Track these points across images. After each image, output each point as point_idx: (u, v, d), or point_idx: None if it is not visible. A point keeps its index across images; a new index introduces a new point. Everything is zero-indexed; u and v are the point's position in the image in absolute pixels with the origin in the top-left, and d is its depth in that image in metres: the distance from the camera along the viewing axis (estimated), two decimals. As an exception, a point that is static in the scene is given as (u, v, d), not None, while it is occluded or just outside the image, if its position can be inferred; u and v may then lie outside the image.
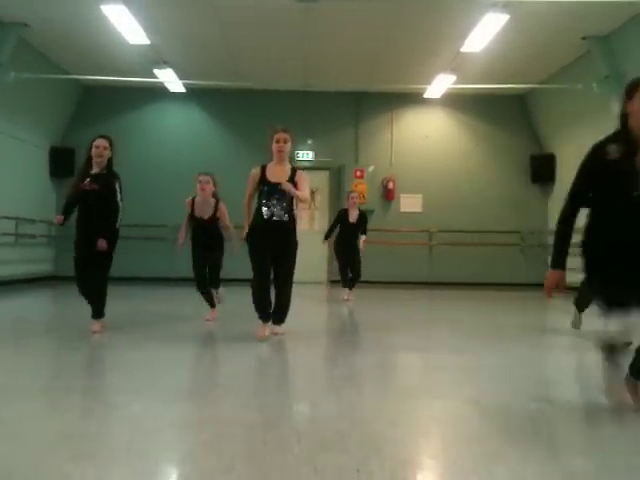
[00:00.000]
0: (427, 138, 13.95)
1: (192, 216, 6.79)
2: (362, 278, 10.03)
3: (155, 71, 11.82)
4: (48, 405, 3.44)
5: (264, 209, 5.55)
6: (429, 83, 12.37)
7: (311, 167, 13.59)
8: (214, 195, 6.79)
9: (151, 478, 2.42)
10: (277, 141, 5.61)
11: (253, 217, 5.68)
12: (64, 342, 5.54)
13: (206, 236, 6.73)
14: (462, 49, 10.28)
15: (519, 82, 12.44)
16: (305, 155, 13.80)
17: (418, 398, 3.73)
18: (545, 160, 13.57)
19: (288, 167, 5.69)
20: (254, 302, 5.62)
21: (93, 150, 5.71)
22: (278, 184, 5.47)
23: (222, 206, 6.80)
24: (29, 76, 10.67)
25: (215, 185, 6.80)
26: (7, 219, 10.94)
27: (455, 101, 13.70)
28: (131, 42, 10.09)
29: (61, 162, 12.93)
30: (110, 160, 5.83)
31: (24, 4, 9.17)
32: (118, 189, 5.74)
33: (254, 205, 5.72)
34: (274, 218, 5.54)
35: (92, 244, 5.63)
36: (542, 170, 13.63)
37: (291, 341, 5.69)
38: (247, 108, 13.48)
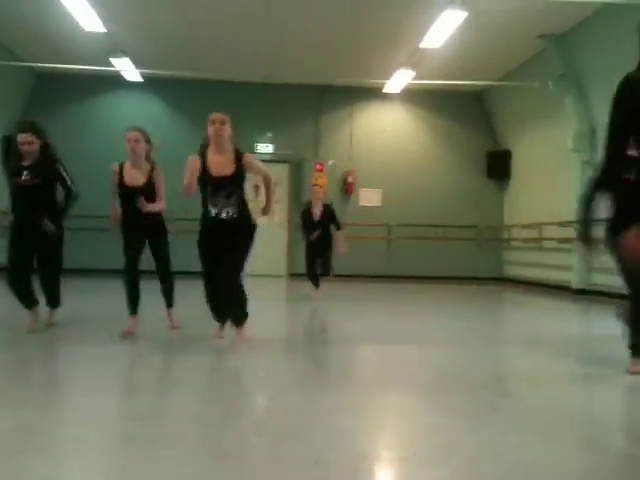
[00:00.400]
0: (385, 132, 14.03)
1: (121, 185, 5.33)
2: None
3: (112, 59, 11.60)
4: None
5: (210, 207, 4.77)
6: (388, 78, 12.43)
7: (271, 160, 13.53)
8: (148, 158, 5.41)
9: (106, 470, 2.38)
10: (212, 123, 4.67)
11: (201, 216, 4.89)
12: (10, 335, 5.41)
13: (140, 213, 5.21)
14: (421, 45, 10.35)
15: (477, 79, 12.60)
16: (265, 148, 13.73)
17: (376, 391, 3.75)
18: (501, 156, 13.80)
19: (230, 154, 4.76)
20: (207, 303, 5.08)
21: (19, 148, 5.31)
22: (222, 178, 4.71)
23: (158, 172, 5.38)
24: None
25: (151, 145, 5.45)
26: None
27: (414, 97, 13.81)
28: (87, 29, 9.87)
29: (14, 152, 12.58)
30: (44, 147, 5.37)
31: None
32: (64, 172, 5.39)
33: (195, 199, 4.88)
34: (222, 216, 4.75)
35: (38, 240, 5.36)
36: (498, 166, 13.86)
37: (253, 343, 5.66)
38: (206, 99, 13.31)
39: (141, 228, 5.33)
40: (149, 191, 5.29)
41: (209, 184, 4.72)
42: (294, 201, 13.68)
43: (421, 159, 14.11)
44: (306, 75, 12.87)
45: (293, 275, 13.38)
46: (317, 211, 8.77)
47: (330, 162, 13.69)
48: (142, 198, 5.19)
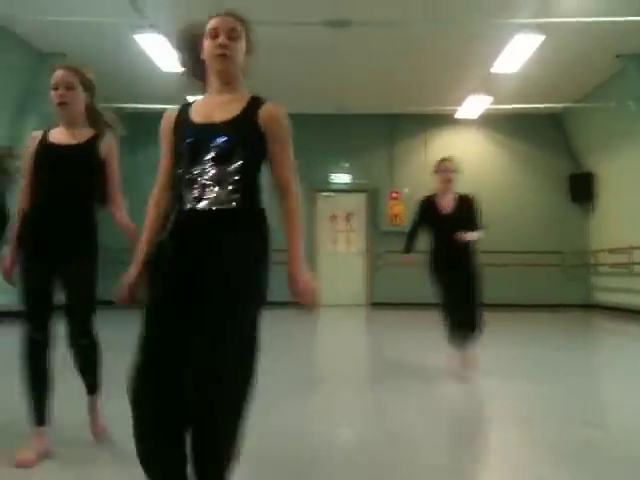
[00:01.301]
0: (407, 191, 13.85)
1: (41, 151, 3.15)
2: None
3: (189, 98, 12.00)
4: None
5: (184, 192, 2.24)
6: (461, 104, 12.34)
7: (348, 190, 13.65)
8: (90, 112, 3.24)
9: None
10: (213, 36, 2.28)
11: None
12: None
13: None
14: (492, 70, 10.26)
15: (554, 101, 12.31)
16: (341, 178, 13.85)
17: (470, 423, 3.65)
18: (584, 178, 13.35)
19: (240, 94, 2.33)
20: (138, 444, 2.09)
21: None
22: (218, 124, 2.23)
23: (109, 144, 3.19)
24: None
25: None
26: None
27: (489, 121, 13.61)
28: (164, 69, 10.27)
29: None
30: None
31: (63, 35, 9.45)
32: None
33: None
34: (202, 206, 2.18)
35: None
36: (581, 189, 13.40)
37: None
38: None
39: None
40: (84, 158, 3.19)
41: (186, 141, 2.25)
42: (371, 230, 13.67)
43: (499, 184, 13.83)
44: (377, 105, 12.93)
45: (375, 304, 13.28)
46: (449, 199, 5.68)
47: (405, 190, 13.63)
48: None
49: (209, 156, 2.16)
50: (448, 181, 5.69)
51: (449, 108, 12.68)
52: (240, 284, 2.10)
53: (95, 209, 3.12)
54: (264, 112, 2.22)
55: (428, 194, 5.81)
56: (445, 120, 13.57)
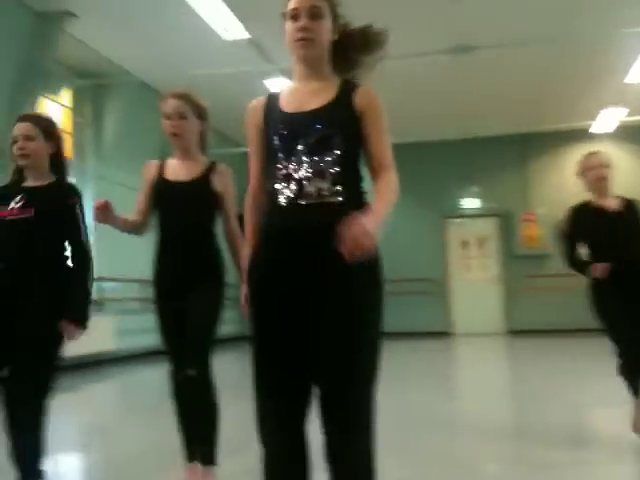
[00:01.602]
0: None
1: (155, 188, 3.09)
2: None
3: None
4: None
5: (277, 184, 1.97)
6: (594, 118, 11.81)
7: (478, 215, 13.36)
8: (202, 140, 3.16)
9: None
10: (293, 18, 2.00)
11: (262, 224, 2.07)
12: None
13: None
14: (626, 81, 9.80)
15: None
16: (471, 203, 13.60)
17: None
18: None
19: (330, 79, 2.07)
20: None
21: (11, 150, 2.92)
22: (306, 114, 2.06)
23: (224, 174, 3.14)
24: (216, 151, 11.54)
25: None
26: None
27: (627, 134, 12.86)
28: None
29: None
30: (57, 158, 2.99)
31: (195, 88, 10.06)
32: (80, 217, 2.90)
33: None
34: (304, 201, 1.92)
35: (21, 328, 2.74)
36: None
37: None
38: (404, 162, 13.60)
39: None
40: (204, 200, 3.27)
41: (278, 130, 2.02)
42: (505, 256, 13.26)
43: (644, 199, 12.98)
44: (505, 126, 12.62)
45: (513, 332, 12.78)
46: (609, 203, 4.26)
47: (541, 211, 13.11)
48: None
49: (305, 147, 1.94)
50: (602, 179, 4.15)
51: (583, 123, 12.15)
52: (364, 302, 1.88)
53: (216, 239, 3.09)
54: (359, 95, 2.00)
55: (576, 204, 4.33)
56: (580, 135, 12.98)
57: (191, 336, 2.88)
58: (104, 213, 2.76)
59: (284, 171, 1.95)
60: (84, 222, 2.93)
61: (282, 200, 1.93)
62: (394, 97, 10.65)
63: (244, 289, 2.07)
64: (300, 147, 1.94)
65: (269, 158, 2.03)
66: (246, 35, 8.00)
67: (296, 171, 1.93)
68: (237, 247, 3.01)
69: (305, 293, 1.88)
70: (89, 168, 9.24)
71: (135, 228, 3.08)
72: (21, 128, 2.88)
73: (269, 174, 2.02)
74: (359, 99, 1.99)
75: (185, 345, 2.87)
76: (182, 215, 2.99)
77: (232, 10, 7.34)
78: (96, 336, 8.22)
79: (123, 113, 9.31)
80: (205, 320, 2.92)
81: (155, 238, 3.06)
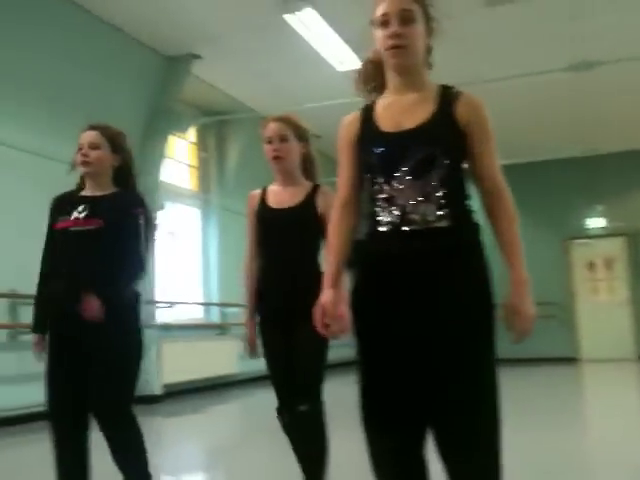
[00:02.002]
0: None
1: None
2: None
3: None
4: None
5: (379, 210, 1.89)
6: None
7: (604, 235, 12.77)
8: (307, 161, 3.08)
9: None
10: (383, 24, 1.88)
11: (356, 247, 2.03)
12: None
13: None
14: None
15: None
16: (596, 222, 13.03)
17: None
18: None
19: (427, 88, 1.92)
20: None
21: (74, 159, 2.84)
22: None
23: (326, 196, 2.94)
24: (324, 180, 11.83)
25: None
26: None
27: None
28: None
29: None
30: (123, 172, 2.88)
31: (318, 118, 10.35)
32: (142, 229, 2.75)
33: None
34: (407, 227, 1.81)
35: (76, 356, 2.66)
36: None
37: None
38: (525, 182, 13.24)
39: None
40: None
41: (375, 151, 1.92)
42: (635, 277, 12.55)
43: None
44: (631, 141, 12.03)
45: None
46: None
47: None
48: None
49: (406, 168, 1.80)
50: None
51: None
52: (477, 332, 1.75)
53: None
54: (463, 105, 1.83)
55: None
56: None
57: (301, 369, 2.76)
58: (253, 350, 2.93)
59: (384, 195, 1.83)
60: (147, 236, 2.75)
61: (383, 227, 1.82)
62: (515, 116, 10.49)
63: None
64: (401, 169, 1.80)
65: (366, 179, 1.91)
66: (360, 65, 8.19)
67: (398, 195, 1.80)
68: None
69: (413, 325, 1.76)
70: (213, 200, 9.70)
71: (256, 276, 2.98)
72: (87, 136, 2.79)
73: (367, 196, 1.90)
74: (462, 110, 1.82)
75: (295, 379, 2.77)
76: (286, 243, 2.87)
77: (346, 42, 7.57)
78: (221, 359, 8.61)
79: (244, 147, 9.75)
80: (315, 352, 2.78)
81: (259, 267, 2.95)
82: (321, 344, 2.73)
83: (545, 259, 12.84)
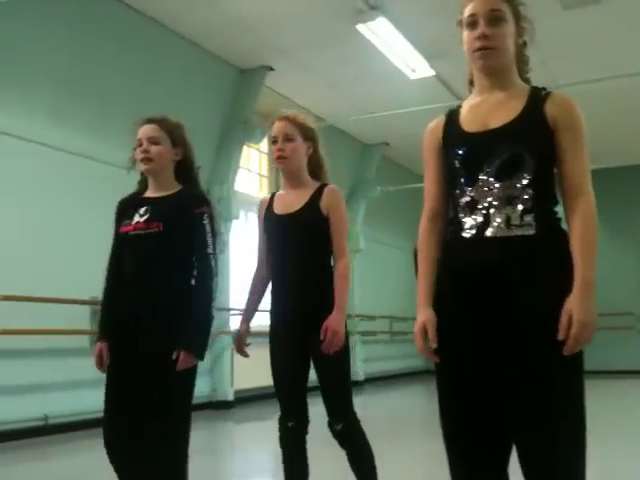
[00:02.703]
0: None
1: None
2: None
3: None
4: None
5: (462, 215, 1.86)
6: None
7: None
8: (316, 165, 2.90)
9: None
10: (471, 25, 1.80)
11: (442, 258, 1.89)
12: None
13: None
14: None
15: None
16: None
17: None
18: None
19: (517, 88, 1.84)
20: None
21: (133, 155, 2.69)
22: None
23: (330, 196, 2.76)
24: (392, 188, 11.81)
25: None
26: (383, 318, 11.97)
27: None
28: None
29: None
30: (185, 166, 2.72)
31: (384, 127, 10.37)
32: (208, 228, 2.56)
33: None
34: (490, 234, 1.75)
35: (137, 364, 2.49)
36: None
37: None
38: (603, 188, 12.77)
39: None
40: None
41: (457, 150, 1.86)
42: None
43: None
44: None
45: None
46: None
47: None
48: None
49: (490, 169, 1.72)
50: None
51: None
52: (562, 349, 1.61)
53: (333, 271, 2.74)
54: (552, 103, 1.74)
55: None
56: None
57: (329, 390, 2.66)
58: (239, 348, 2.84)
59: (467, 199, 1.75)
60: (214, 235, 2.57)
61: (466, 232, 1.74)
62: (592, 121, 10.17)
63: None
64: (485, 170, 1.73)
65: (449, 184, 1.83)
66: (432, 72, 8.14)
67: (481, 199, 1.73)
68: (338, 286, 2.66)
69: (498, 340, 1.67)
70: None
71: (267, 284, 2.84)
72: (146, 130, 2.60)
73: (451, 201, 1.83)
74: (552, 108, 1.73)
75: (323, 397, 2.67)
76: (291, 250, 2.68)
77: (419, 50, 7.54)
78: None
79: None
80: (339, 369, 2.65)
81: (270, 277, 2.80)
82: (343, 359, 2.65)
83: (624, 268, 12.37)
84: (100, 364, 2.55)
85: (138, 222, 2.55)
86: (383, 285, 12.28)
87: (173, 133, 2.63)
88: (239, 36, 7.38)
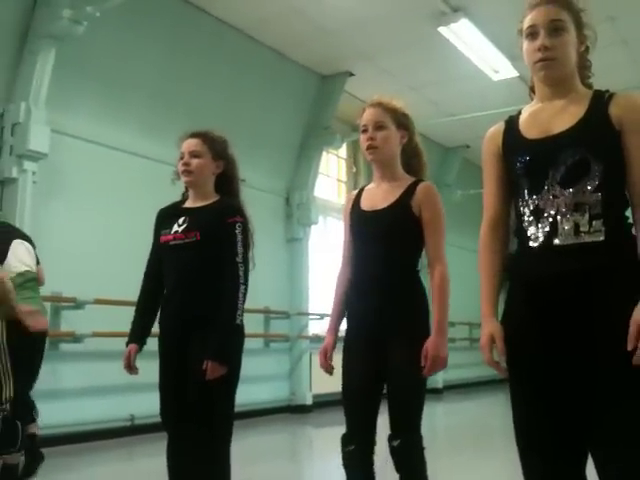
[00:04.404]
0: None
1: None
2: None
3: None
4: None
5: (527, 224, 1.80)
6: None
7: None
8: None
9: None
10: (533, 36, 1.77)
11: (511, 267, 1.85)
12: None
13: None
14: None
15: None
16: None
17: None
18: None
19: (579, 93, 1.79)
20: None
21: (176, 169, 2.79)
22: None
23: (425, 192, 2.52)
24: (473, 191, 11.59)
25: None
26: (462, 324, 11.76)
27: None
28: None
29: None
30: (225, 179, 2.78)
31: (464, 128, 10.20)
32: (239, 238, 2.61)
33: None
34: (559, 242, 1.68)
35: (184, 368, 2.58)
36: None
37: None
38: None
39: None
40: None
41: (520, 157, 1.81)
42: None
43: None
44: None
45: None
46: None
47: None
48: None
49: (556, 178, 1.67)
50: None
51: None
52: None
53: (419, 276, 2.48)
54: (617, 104, 1.67)
55: None
56: None
57: (397, 401, 2.32)
58: (326, 367, 2.47)
59: (532, 207, 1.70)
60: (245, 245, 2.57)
61: (532, 242, 1.69)
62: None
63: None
64: (550, 177, 1.68)
65: (511, 192, 1.80)
66: (515, 73, 7.95)
67: (547, 207, 1.67)
68: (437, 301, 2.43)
69: (570, 352, 1.62)
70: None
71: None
72: (188, 144, 2.70)
73: (515, 210, 1.78)
74: (616, 109, 1.66)
75: (389, 410, 2.33)
76: (377, 251, 2.39)
77: (501, 51, 7.38)
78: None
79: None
80: (414, 380, 2.33)
81: (350, 279, 2.51)
82: (417, 374, 2.31)
83: None
84: (128, 366, 2.68)
85: (177, 232, 2.62)
86: (462, 291, 12.00)
87: (215, 147, 2.70)
88: (322, 43, 7.41)
